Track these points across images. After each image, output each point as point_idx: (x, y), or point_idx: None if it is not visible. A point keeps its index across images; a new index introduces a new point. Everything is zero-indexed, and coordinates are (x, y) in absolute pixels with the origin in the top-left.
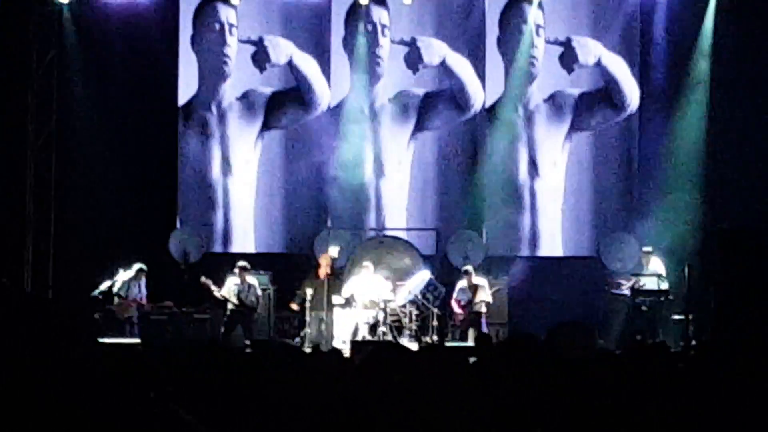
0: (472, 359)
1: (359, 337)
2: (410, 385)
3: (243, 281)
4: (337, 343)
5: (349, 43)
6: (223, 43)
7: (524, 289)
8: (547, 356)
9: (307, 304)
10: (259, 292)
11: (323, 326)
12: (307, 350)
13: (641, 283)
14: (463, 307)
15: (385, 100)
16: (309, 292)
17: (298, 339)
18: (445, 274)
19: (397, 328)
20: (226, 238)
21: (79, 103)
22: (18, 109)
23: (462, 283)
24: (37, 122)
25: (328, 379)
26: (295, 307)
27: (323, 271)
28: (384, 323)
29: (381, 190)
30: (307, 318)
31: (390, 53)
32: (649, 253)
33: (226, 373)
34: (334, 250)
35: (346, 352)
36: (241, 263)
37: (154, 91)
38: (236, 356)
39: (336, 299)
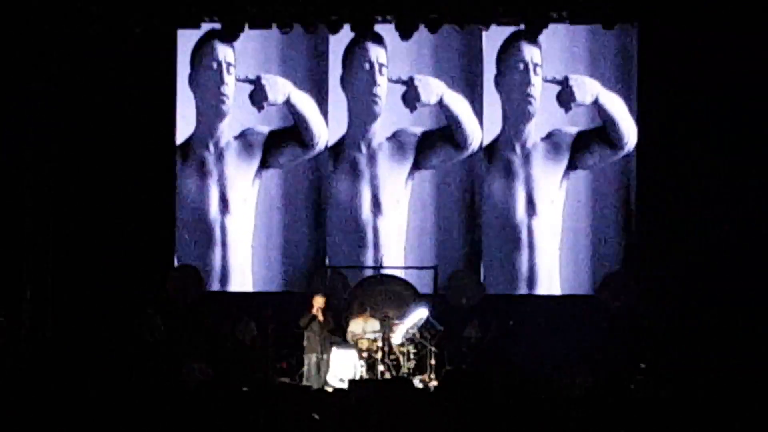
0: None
1: (357, 377)
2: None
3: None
4: (335, 383)
5: (346, 82)
6: (221, 81)
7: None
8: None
9: (305, 343)
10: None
11: (320, 366)
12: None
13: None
14: None
15: (383, 139)
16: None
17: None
18: (443, 312)
19: (395, 366)
20: (224, 277)
21: (75, 141)
22: (15, 145)
23: None
24: (34, 160)
25: (330, 417)
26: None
27: (317, 311)
28: (382, 362)
29: (379, 228)
30: (304, 358)
31: (387, 92)
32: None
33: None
34: (319, 300)
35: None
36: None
37: (152, 130)
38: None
39: (333, 339)
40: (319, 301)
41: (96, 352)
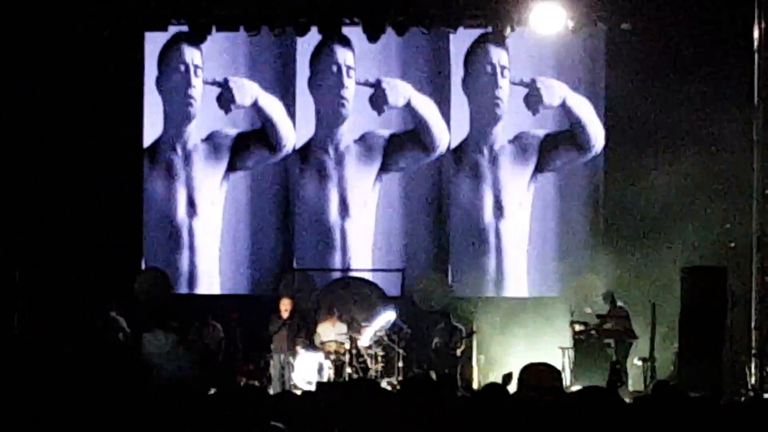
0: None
1: (324, 379)
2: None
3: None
4: (302, 385)
5: (314, 85)
6: (188, 84)
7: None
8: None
9: (272, 346)
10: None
11: (284, 367)
12: (271, 392)
13: (607, 325)
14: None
15: (351, 142)
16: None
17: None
18: (411, 315)
19: (363, 369)
20: (192, 280)
21: (42, 143)
22: None
23: None
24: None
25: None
26: None
27: (284, 314)
28: (350, 364)
29: (346, 231)
30: (270, 361)
31: (355, 94)
32: (612, 294)
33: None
34: (287, 303)
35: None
36: None
37: (120, 133)
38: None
39: (300, 342)
40: (286, 304)
41: (62, 353)
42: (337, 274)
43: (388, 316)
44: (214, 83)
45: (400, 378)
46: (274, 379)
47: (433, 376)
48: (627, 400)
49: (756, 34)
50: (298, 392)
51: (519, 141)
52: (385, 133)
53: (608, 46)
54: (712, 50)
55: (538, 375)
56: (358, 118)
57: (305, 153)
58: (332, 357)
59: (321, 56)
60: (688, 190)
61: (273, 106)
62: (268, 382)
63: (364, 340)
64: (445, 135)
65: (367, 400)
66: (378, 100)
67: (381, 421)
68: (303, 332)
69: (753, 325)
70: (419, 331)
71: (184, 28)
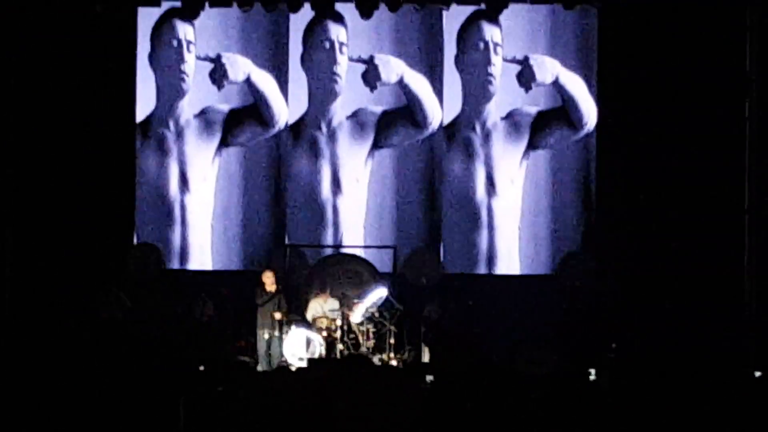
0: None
1: (316, 355)
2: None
3: None
4: (293, 361)
5: (307, 61)
6: (181, 60)
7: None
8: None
9: (258, 321)
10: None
11: (271, 343)
12: (259, 368)
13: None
14: None
15: (343, 118)
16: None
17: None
18: (402, 291)
19: (354, 345)
20: (184, 255)
21: (35, 119)
22: None
23: None
24: None
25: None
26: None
27: (269, 287)
28: (341, 341)
29: (338, 207)
30: (257, 334)
31: (348, 71)
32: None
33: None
34: (269, 275)
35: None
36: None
37: (112, 108)
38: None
39: (292, 317)
40: (269, 277)
41: (55, 330)
42: (328, 251)
43: (379, 293)
44: (206, 59)
45: (392, 354)
46: (261, 354)
47: (427, 350)
48: None
49: (749, 11)
50: (292, 368)
51: (511, 118)
52: (378, 109)
53: (601, 24)
54: (705, 27)
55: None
56: (350, 95)
57: (298, 129)
58: (324, 333)
59: (314, 32)
60: (683, 166)
61: (266, 82)
62: (256, 359)
63: (356, 316)
64: (438, 112)
65: (357, 376)
66: (371, 76)
67: (371, 396)
68: (294, 308)
69: None
70: (411, 307)
71: (177, 4)
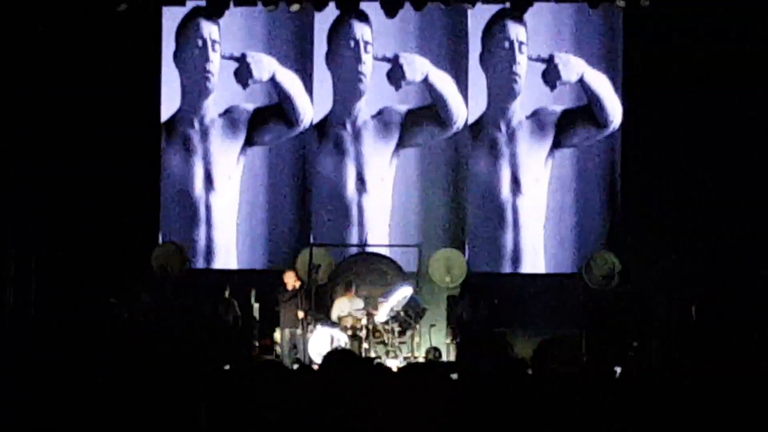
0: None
1: None
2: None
3: None
4: (319, 360)
5: (331, 60)
6: (206, 59)
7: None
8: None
9: (281, 320)
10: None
11: (295, 343)
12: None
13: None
14: None
15: (368, 117)
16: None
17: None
18: (427, 290)
19: (380, 344)
20: (209, 255)
21: (60, 118)
22: (1, 122)
23: None
24: (18, 137)
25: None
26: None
27: (290, 286)
28: (366, 340)
29: (363, 206)
30: (278, 333)
31: (372, 70)
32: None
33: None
34: (291, 276)
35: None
36: None
37: (137, 108)
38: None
39: (317, 316)
40: (290, 277)
41: (80, 329)
42: (353, 250)
43: (404, 292)
44: (231, 58)
45: (417, 354)
46: (284, 353)
47: (452, 349)
48: None
49: None
50: (316, 367)
51: (536, 117)
52: (403, 108)
53: (626, 22)
54: (731, 24)
55: (558, 349)
56: (375, 94)
57: (322, 128)
58: (349, 332)
59: (339, 31)
60: (709, 165)
61: (290, 81)
62: (280, 357)
63: (381, 315)
64: (463, 110)
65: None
66: (395, 75)
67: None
68: (319, 306)
69: None
70: (436, 307)
71: (202, 3)
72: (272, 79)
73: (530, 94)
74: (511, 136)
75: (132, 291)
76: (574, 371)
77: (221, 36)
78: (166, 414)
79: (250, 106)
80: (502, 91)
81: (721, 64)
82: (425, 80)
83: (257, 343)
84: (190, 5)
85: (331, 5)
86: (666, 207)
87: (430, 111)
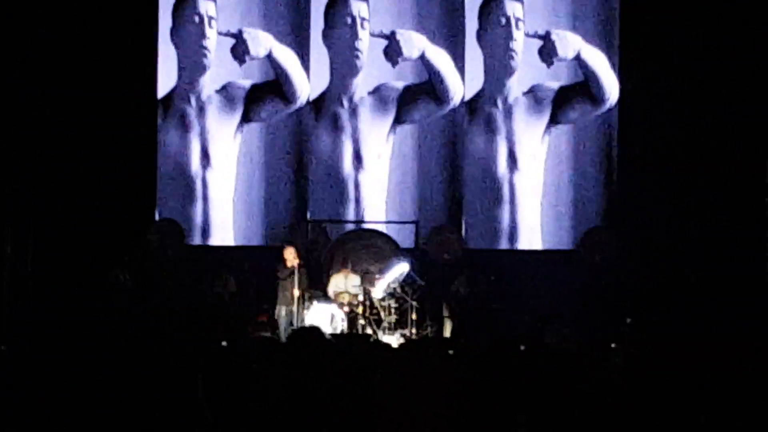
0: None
1: (338, 330)
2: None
3: None
4: None
5: (328, 36)
6: (203, 35)
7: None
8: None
9: (279, 296)
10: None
11: (292, 319)
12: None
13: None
14: None
15: (365, 93)
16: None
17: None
18: (424, 267)
19: (376, 321)
20: (205, 231)
21: (56, 95)
22: None
23: None
24: (16, 114)
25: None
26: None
27: (290, 263)
28: (363, 316)
29: (360, 183)
30: (276, 310)
31: (369, 46)
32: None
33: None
34: (291, 251)
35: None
36: None
37: (134, 84)
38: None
39: (313, 293)
40: (291, 253)
41: (77, 307)
42: (350, 226)
43: (401, 268)
44: (228, 34)
45: (414, 330)
46: (282, 330)
47: (449, 325)
48: None
49: None
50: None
51: (533, 93)
52: (399, 85)
53: None
54: (728, 3)
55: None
56: (372, 70)
57: (319, 105)
58: (345, 309)
59: (335, 8)
60: (705, 141)
61: (287, 58)
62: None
63: (378, 291)
64: (460, 87)
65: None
66: (392, 51)
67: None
68: (315, 284)
69: None
70: (432, 283)
71: None
72: (269, 56)
73: (527, 70)
74: (508, 113)
75: (111, 270)
76: (570, 347)
77: (218, 12)
78: (164, 388)
79: (247, 83)
80: (498, 67)
81: (718, 40)
82: (422, 57)
83: (258, 319)
84: None
85: None
86: (662, 183)
87: (427, 87)
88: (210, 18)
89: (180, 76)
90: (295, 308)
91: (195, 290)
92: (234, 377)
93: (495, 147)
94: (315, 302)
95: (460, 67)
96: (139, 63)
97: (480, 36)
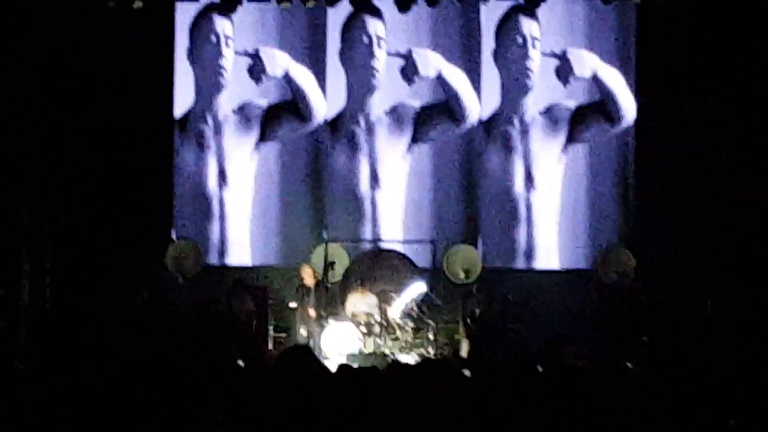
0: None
1: (355, 351)
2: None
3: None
4: (332, 356)
5: (345, 56)
6: (219, 55)
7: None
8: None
9: (296, 316)
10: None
11: (312, 338)
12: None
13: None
14: None
15: (381, 113)
16: (293, 305)
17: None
18: (441, 286)
19: (393, 341)
20: (222, 251)
21: (73, 115)
22: (16, 118)
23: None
24: (33, 133)
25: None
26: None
27: (307, 282)
28: (380, 336)
29: (377, 202)
30: (294, 330)
31: (386, 65)
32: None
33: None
34: (307, 270)
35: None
36: None
37: (151, 104)
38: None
39: (330, 312)
40: (307, 272)
41: (94, 326)
42: (367, 246)
43: (418, 288)
44: (245, 54)
45: (430, 350)
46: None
47: (465, 345)
48: None
49: None
50: (329, 363)
51: (550, 113)
52: (416, 104)
53: (640, 18)
54: (746, 20)
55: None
56: (388, 89)
57: (336, 124)
58: (362, 328)
59: (352, 27)
60: (723, 161)
61: (304, 77)
62: None
63: (395, 311)
64: (476, 106)
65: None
66: (409, 71)
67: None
68: (333, 302)
69: None
70: (449, 303)
71: None
72: (285, 75)
73: (543, 89)
74: (525, 132)
75: (121, 285)
76: (587, 367)
77: (234, 32)
78: (182, 409)
79: (264, 102)
80: (515, 86)
81: (735, 58)
82: (438, 76)
83: (278, 339)
84: (203, 1)
85: (344, 1)
86: (680, 202)
87: (444, 107)
88: (227, 37)
89: (197, 96)
90: (312, 328)
91: (212, 310)
92: (252, 397)
93: (512, 166)
94: (331, 321)
95: (477, 86)
96: (156, 83)
97: (496, 55)
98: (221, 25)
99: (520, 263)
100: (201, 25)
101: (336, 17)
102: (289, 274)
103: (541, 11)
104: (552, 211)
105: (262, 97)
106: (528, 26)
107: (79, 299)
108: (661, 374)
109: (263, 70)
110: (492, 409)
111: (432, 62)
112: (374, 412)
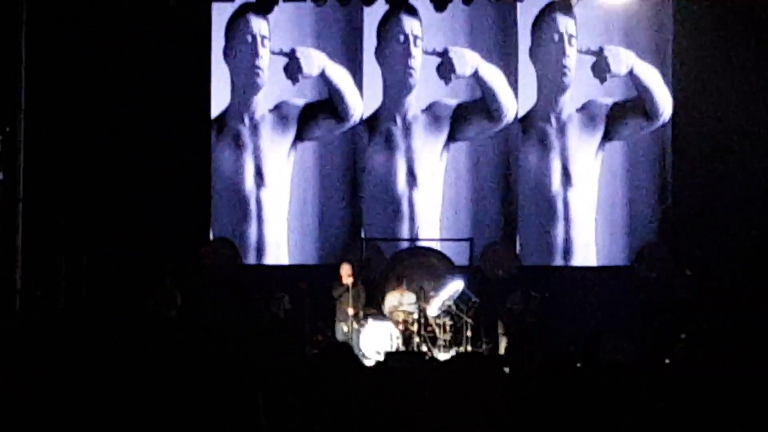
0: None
1: (393, 348)
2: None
3: None
4: (371, 354)
5: (381, 54)
6: (256, 54)
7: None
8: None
9: (336, 314)
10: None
11: (351, 336)
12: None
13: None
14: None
15: (418, 111)
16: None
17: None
18: (479, 284)
19: (431, 339)
20: (260, 250)
21: (110, 115)
22: (55, 119)
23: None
24: (72, 133)
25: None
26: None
27: (345, 280)
28: (418, 334)
29: (414, 200)
30: (335, 328)
31: (422, 64)
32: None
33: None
34: (346, 269)
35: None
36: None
37: (188, 104)
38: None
39: (369, 311)
40: (346, 270)
41: (132, 328)
42: (405, 244)
43: (456, 286)
44: (281, 53)
45: (469, 347)
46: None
47: (504, 342)
48: None
49: None
50: (368, 362)
51: (587, 110)
52: (453, 102)
53: (676, 14)
54: None
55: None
56: (425, 88)
57: (373, 123)
58: (400, 326)
59: (388, 26)
60: (760, 157)
61: (340, 76)
62: None
63: (433, 309)
64: (513, 104)
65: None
66: (445, 69)
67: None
68: (371, 301)
69: None
70: (487, 300)
71: None
72: (322, 74)
73: (580, 86)
74: (562, 129)
75: (162, 288)
76: (625, 363)
77: (270, 31)
78: (223, 410)
79: (300, 102)
80: (551, 84)
81: None
82: (475, 74)
83: (317, 338)
84: (239, 1)
85: (380, 0)
86: (717, 198)
87: (480, 105)
88: (263, 37)
89: (233, 96)
90: (349, 326)
91: (250, 310)
92: (292, 396)
93: (549, 163)
94: (370, 320)
95: (513, 84)
96: (193, 83)
97: (533, 53)
98: (257, 24)
99: (557, 260)
100: (237, 24)
101: (372, 16)
102: (327, 273)
103: (578, 8)
104: (589, 208)
105: (298, 97)
106: (564, 23)
107: (116, 300)
108: (699, 371)
109: (299, 70)
110: (531, 405)
111: (468, 60)
112: (413, 409)
